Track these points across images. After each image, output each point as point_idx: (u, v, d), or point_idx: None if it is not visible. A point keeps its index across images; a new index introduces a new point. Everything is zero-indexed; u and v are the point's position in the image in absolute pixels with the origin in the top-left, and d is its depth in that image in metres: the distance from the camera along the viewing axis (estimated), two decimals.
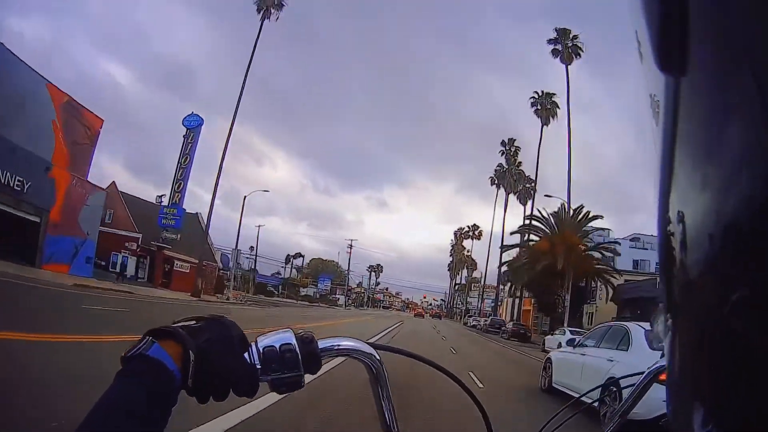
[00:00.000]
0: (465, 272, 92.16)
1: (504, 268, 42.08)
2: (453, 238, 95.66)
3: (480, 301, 73.84)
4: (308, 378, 0.51)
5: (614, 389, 4.42)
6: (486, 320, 45.98)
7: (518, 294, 40.71)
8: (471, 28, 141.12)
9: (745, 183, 0.20)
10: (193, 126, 33.60)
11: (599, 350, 6.60)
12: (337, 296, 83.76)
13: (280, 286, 74.71)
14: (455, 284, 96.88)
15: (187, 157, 32.81)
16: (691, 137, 0.24)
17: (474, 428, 0.72)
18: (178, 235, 32.13)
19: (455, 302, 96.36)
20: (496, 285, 58.04)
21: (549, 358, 8.31)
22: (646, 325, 5.66)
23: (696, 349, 0.25)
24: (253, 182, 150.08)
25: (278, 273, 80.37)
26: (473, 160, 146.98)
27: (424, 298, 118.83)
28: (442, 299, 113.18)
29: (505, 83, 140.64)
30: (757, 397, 0.20)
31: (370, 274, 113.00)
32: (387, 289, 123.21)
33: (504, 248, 41.12)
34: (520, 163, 56.77)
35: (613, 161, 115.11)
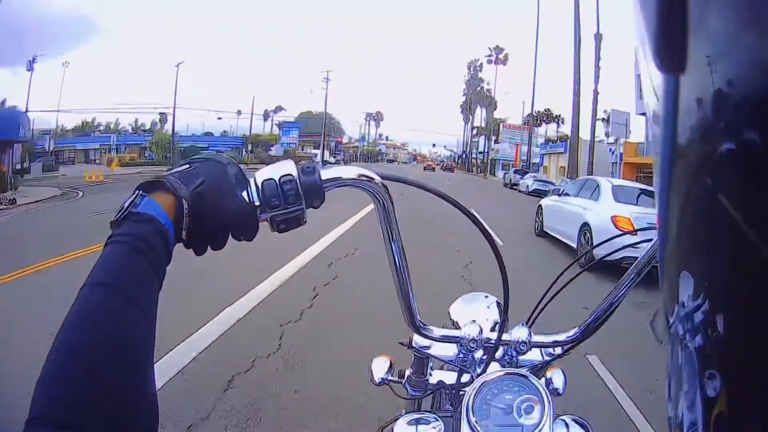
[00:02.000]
0: (483, 113, 70.91)
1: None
2: (467, 71, 71.75)
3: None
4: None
5: (587, 231, 6.68)
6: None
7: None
8: None
9: (740, 176, 0.20)
10: None
11: (577, 199, 7.78)
12: (312, 152, 57.38)
13: (242, 149, 53.42)
14: (472, 128, 76.45)
15: None
16: (691, 136, 0.24)
17: (488, 266, 0.70)
18: None
19: (471, 151, 77.60)
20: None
21: (540, 206, 9.37)
22: (614, 180, 7.72)
23: (685, 223, 0.24)
24: None
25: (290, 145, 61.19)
26: None
27: (433, 147, 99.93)
28: (451, 150, 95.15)
29: None
30: (744, 267, 0.20)
31: (368, 123, 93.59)
32: (387, 138, 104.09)
33: None
34: None
35: None
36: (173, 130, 46.05)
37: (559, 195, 8.82)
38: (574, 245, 7.08)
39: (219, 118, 60.45)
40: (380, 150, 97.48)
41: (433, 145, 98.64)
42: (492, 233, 0.62)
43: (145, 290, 0.37)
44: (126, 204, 0.39)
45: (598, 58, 25.08)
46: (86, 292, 0.35)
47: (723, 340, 0.21)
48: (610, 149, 28.06)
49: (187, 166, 0.45)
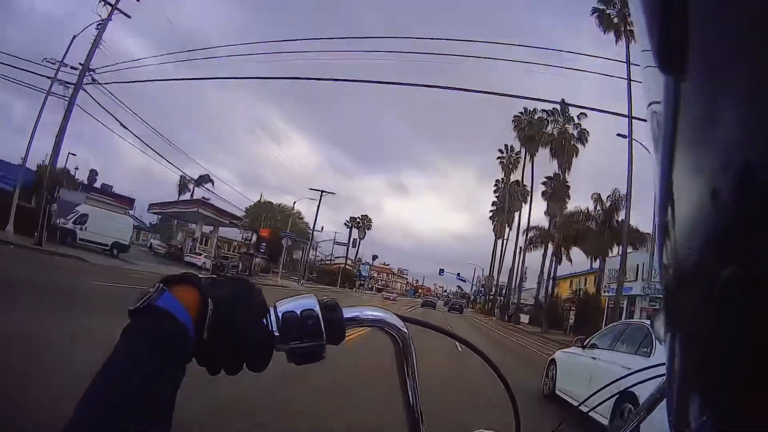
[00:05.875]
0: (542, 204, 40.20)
1: None
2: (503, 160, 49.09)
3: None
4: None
5: (629, 405, 3.77)
6: None
7: None
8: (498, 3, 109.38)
9: (737, 175, 0.20)
10: None
11: (613, 354, 5.40)
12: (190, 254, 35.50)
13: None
14: (527, 230, 41.76)
15: None
16: (691, 135, 0.24)
17: (501, 413, 0.75)
18: None
19: (518, 282, 44.07)
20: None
21: (553, 359, 7.06)
22: None
23: (691, 336, 0.25)
24: (269, 160, 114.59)
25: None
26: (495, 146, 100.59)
27: (440, 274, 72.22)
28: (462, 282, 68.56)
29: (532, 63, 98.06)
30: (750, 382, 0.20)
31: (350, 230, 66.65)
32: (374, 257, 78.23)
33: None
34: None
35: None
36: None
37: (583, 347, 6.32)
38: (605, 421, 3.90)
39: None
40: (359, 272, 68.62)
41: (441, 271, 70.53)
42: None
43: (156, 392, 0.36)
44: (146, 296, 0.39)
45: None
46: (97, 390, 0.35)
47: None
48: None
49: (215, 277, 0.45)
